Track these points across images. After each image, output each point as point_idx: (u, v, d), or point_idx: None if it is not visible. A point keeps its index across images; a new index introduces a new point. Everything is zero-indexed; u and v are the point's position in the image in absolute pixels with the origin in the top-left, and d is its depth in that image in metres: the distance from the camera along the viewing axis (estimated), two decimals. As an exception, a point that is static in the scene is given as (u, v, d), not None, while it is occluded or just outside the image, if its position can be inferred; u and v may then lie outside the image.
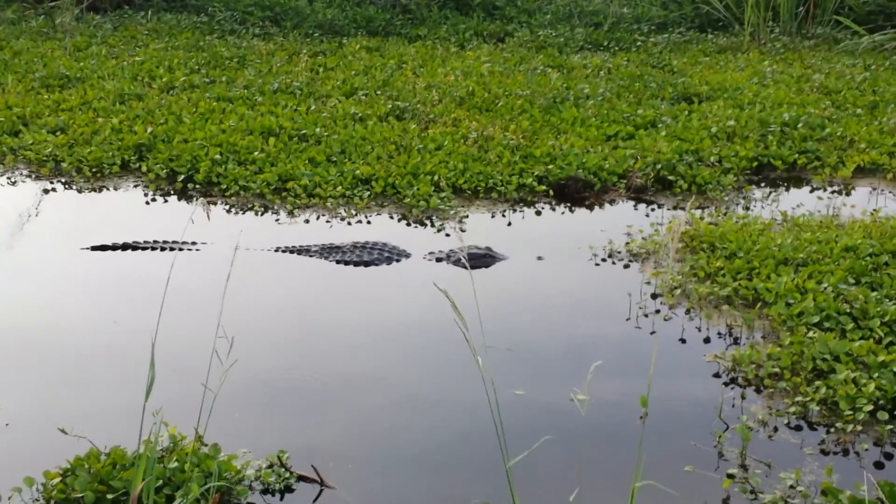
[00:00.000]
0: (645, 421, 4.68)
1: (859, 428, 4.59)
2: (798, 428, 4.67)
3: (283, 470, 4.28)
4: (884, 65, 11.19)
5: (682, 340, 5.56)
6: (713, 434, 4.56)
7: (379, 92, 10.19)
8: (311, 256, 6.67)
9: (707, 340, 5.55)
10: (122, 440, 4.14)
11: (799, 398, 4.82)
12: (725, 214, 7.26)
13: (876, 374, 4.84)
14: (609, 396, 4.87)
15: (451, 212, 7.44)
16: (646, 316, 5.83)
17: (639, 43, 12.68)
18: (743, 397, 4.92)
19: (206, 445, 4.24)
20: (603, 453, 4.51)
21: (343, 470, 4.34)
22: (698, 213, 7.35)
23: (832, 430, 4.62)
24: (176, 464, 4.06)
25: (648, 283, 6.24)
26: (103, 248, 6.78)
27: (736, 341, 5.53)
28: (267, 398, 4.95)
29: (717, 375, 5.16)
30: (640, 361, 5.27)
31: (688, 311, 5.88)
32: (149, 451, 3.68)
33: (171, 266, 4.31)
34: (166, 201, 7.77)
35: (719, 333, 5.63)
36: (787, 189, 8.03)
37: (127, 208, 7.69)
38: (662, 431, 4.59)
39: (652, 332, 5.63)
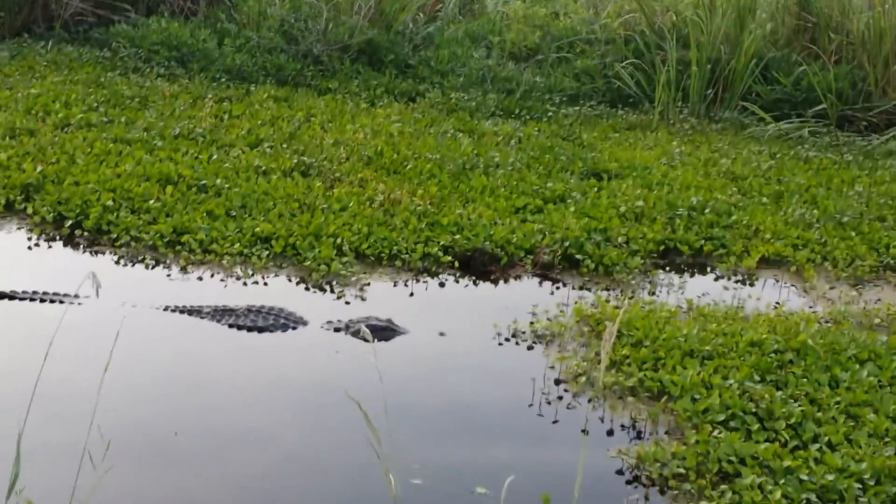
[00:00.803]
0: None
1: (764, 540, 4.45)
2: (703, 536, 4.51)
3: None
4: (789, 154, 11.33)
5: (585, 431, 5.36)
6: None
7: (285, 145, 9.89)
8: (202, 318, 6.32)
9: (610, 433, 5.38)
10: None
11: (704, 503, 4.66)
12: (632, 298, 7.14)
13: (782, 481, 4.73)
14: (511, 490, 4.63)
15: (353, 278, 7.16)
16: (549, 403, 5.65)
17: (550, 113, 12.63)
18: (647, 498, 4.75)
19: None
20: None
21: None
22: (604, 294, 7.23)
23: (737, 540, 4.48)
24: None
25: (552, 367, 6.05)
26: (-25, 296, 6.33)
27: (639, 435, 5.37)
28: (154, 477, 4.58)
29: (619, 472, 4.99)
30: (544, 455, 5.10)
31: (590, 401, 5.71)
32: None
33: (53, 323, 3.94)
34: (51, 247, 7.34)
35: (622, 426, 5.46)
36: (693, 275, 7.97)
37: (8, 253, 7.21)
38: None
39: (554, 422, 5.45)
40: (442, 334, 6.43)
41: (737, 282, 7.85)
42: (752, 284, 7.82)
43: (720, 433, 5.17)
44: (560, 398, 5.72)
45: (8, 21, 13.68)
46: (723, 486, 4.73)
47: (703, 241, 8.28)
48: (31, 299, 6.31)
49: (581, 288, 7.44)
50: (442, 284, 7.35)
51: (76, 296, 6.31)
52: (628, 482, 4.90)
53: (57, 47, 13.22)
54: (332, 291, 6.96)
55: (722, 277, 7.92)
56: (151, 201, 7.86)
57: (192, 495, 4.54)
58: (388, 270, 7.43)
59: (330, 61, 13.60)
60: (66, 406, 4.75)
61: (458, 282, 7.45)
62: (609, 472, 4.98)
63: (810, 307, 7.29)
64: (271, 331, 6.24)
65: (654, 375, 5.80)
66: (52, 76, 11.74)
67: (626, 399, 5.69)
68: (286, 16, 13.91)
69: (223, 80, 12.65)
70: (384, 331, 6.32)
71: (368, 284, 7.14)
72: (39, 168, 8.28)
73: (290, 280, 7.11)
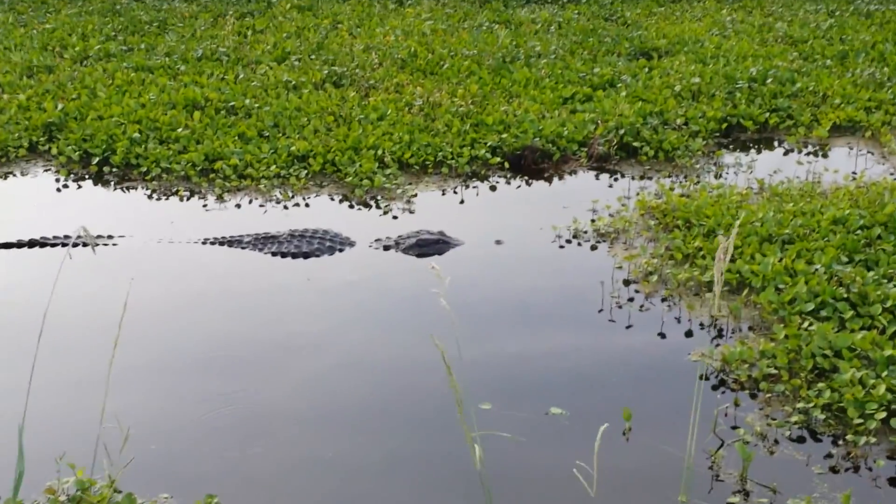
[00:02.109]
0: (629, 438, 4.12)
1: (872, 439, 4.01)
2: (801, 440, 4.09)
3: (214, 523, 3.61)
4: (848, 10, 10.62)
5: (662, 335, 4.95)
6: (707, 452, 3.96)
7: (313, 56, 9.41)
8: (243, 248, 5.94)
9: (689, 334, 4.94)
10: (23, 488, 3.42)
11: (800, 404, 4.24)
12: (697, 184, 6.65)
13: (884, 373, 4.28)
14: (587, 408, 4.27)
15: (399, 190, 6.74)
16: (619, 307, 5.21)
17: (588, -7, 11.98)
18: (736, 404, 4.32)
19: (120, 493, 3.57)
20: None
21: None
22: (667, 182, 6.74)
23: (841, 441, 4.05)
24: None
25: (620, 267, 5.61)
26: (7, 245, 6.00)
27: (720, 334, 4.94)
28: (190, 431, 4.24)
29: (704, 377, 4.55)
30: (618, 364, 4.70)
31: (665, 300, 5.27)
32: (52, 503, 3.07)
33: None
34: (80, 187, 7.00)
35: (702, 325, 5.02)
36: (760, 152, 7.44)
37: (36, 196, 6.87)
38: (650, 449, 3.99)
39: (628, 327, 5.02)
40: (499, 242, 6.00)
41: (809, 154, 7.31)
42: (825, 156, 7.28)
43: (811, 325, 4.72)
44: (631, 300, 5.28)
45: (17, -45, 13.19)
46: (819, 384, 4.30)
47: (767, 114, 7.74)
48: (64, 244, 5.97)
49: (642, 178, 6.96)
50: (493, 188, 6.91)
51: (110, 237, 6.00)
52: (714, 387, 4.47)
53: (69, -23, 12.74)
54: (377, 207, 6.56)
55: (792, 151, 7.39)
56: (180, 129, 7.46)
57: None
58: (435, 178, 6.99)
59: (353, -37, 12.97)
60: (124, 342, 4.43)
61: (509, 183, 6.99)
62: (692, 378, 4.54)
63: (892, 174, 6.75)
64: (317, 255, 5.85)
65: (732, 266, 5.33)
66: (66, 8, 11.33)
67: (704, 296, 5.23)
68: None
69: (243, -7, 12.14)
70: (437, 244, 5.91)
71: (415, 196, 6.72)
72: (60, 106, 7.90)
73: (332, 199, 6.70)
